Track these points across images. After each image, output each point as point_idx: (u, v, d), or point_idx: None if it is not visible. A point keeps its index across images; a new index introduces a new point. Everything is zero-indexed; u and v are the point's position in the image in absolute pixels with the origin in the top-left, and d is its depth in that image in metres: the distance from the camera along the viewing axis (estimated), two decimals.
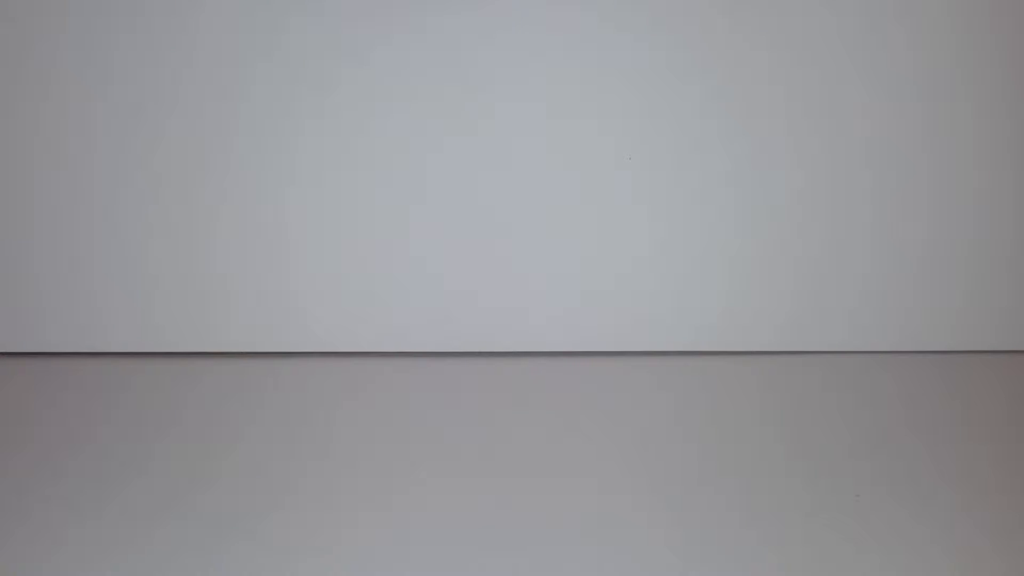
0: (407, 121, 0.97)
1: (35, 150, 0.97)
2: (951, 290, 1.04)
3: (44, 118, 0.96)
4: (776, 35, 0.95)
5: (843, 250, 1.02)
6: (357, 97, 0.96)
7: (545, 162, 0.99)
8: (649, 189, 1.00)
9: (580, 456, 0.88)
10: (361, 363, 1.03)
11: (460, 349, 1.04)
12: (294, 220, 1.00)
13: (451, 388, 0.99)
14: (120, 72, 0.95)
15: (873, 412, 0.95)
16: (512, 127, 0.98)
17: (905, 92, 0.97)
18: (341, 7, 0.93)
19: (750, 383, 1.01)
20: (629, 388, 1.00)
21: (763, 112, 0.97)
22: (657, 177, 1.00)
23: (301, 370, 1.02)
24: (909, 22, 0.95)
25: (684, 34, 0.95)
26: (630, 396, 0.98)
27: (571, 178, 1.00)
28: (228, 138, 0.97)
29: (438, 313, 1.03)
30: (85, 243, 1.00)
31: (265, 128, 0.97)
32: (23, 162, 0.98)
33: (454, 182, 0.99)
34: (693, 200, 1.00)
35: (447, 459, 0.88)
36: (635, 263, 1.02)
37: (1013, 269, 1.04)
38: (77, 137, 0.97)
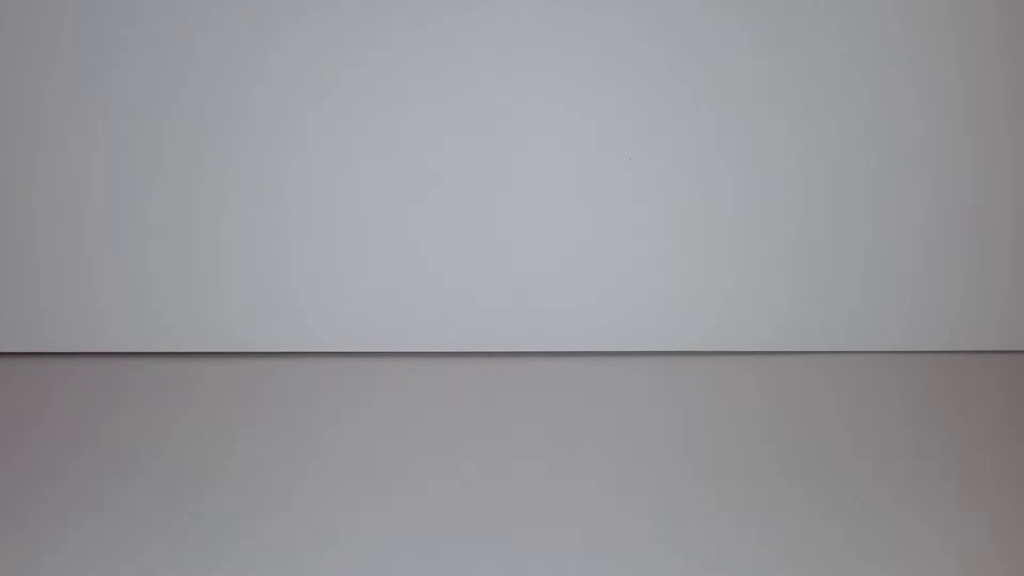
0: (407, 121, 0.97)
1: (35, 150, 0.97)
2: (951, 290, 1.04)
3: (44, 118, 0.96)
4: (776, 35, 0.95)
5: (843, 250, 1.02)
6: (357, 97, 0.96)
7: (545, 162, 0.99)
8: (649, 189, 1.00)
9: (580, 456, 0.88)
10: (361, 363, 1.03)
11: (460, 349, 1.04)
12: (294, 220, 1.00)
13: (451, 388, 0.99)
14: (120, 72, 0.95)
15: (873, 412, 0.95)
16: (512, 127, 0.98)
17: (905, 92, 0.97)
18: (341, 7, 0.93)
19: (750, 383, 1.01)
20: (629, 388, 1.00)
21: (763, 112, 0.97)
22: (657, 177, 1.00)
23: (301, 370, 1.02)
24: (909, 22, 0.95)
25: (685, 34, 0.95)
26: (630, 396, 0.98)
27: (571, 178, 1.00)
28: (228, 138, 0.97)
29: (438, 313, 1.03)
30: (85, 243, 1.00)
31: (265, 128, 0.97)
32: (23, 162, 0.98)
33: (454, 182, 0.99)
34: (693, 200, 1.00)
35: (447, 459, 0.88)
36: (635, 263, 1.02)
37: (1013, 269, 1.04)
38: (77, 137, 0.97)
